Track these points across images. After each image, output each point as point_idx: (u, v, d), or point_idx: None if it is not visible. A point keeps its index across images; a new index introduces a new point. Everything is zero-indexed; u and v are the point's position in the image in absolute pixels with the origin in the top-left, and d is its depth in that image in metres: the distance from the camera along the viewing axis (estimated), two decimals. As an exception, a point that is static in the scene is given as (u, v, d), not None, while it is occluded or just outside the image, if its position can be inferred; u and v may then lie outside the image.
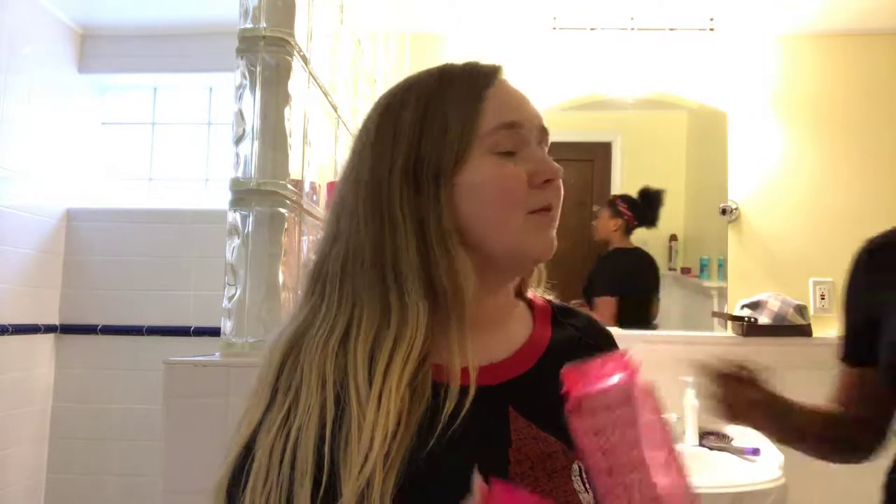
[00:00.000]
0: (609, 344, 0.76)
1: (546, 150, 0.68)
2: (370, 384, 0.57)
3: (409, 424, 0.56)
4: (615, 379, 0.51)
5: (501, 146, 0.63)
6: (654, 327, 2.34)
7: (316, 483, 0.54)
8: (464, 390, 0.59)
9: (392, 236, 0.62)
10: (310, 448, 0.55)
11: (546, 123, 0.68)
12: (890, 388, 0.99)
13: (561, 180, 0.66)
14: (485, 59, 0.69)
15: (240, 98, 1.09)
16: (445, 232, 0.62)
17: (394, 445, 0.55)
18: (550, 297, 0.77)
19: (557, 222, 0.66)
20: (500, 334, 0.68)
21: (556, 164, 0.65)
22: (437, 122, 0.63)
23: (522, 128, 0.65)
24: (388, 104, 0.67)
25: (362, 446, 0.54)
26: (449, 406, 0.57)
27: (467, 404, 0.58)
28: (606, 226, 2.37)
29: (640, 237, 2.38)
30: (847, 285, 1.10)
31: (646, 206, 2.36)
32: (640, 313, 2.35)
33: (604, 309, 2.30)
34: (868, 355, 1.04)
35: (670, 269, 2.39)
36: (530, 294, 0.75)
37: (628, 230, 2.36)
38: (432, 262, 0.61)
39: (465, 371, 0.62)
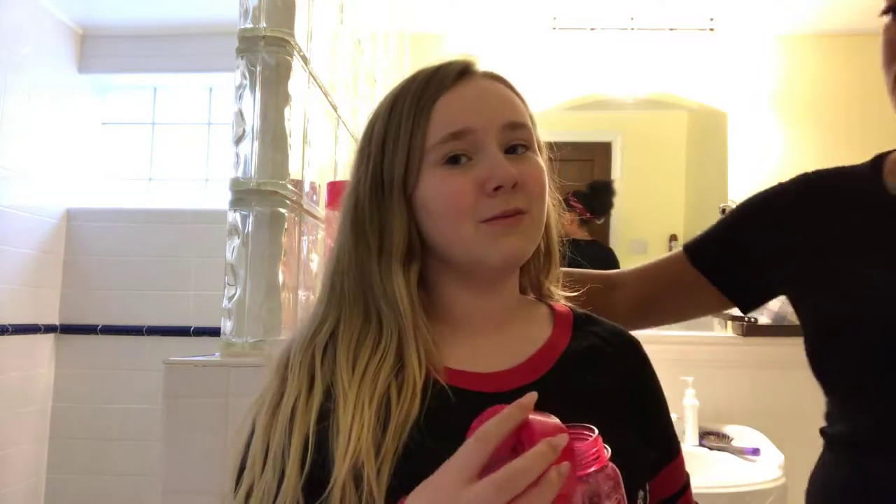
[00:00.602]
0: (634, 355, 0.73)
1: (531, 141, 0.66)
2: (353, 371, 0.60)
3: (398, 418, 0.57)
4: (590, 469, 0.47)
5: (449, 157, 0.62)
6: None
7: (303, 463, 0.56)
8: (463, 392, 0.60)
9: (363, 249, 0.65)
10: (297, 430, 0.57)
11: (515, 116, 0.65)
12: (816, 357, 0.85)
13: (536, 179, 0.64)
14: (459, 56, 0.67)
15: (240, 98, 1.09)
16: (394, 247, 0.63)
17: (386, 435, 0.56)
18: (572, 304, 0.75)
19: (530, 224, 0.63)
20: (508, 339, 0.67)
21: (509, 169, 0.61)
22: (393, 136, 0.64)
23: (474, 133, 0.62)
24: (373, 114, 0.68)
25: (350, 429, 0.56)
26: (432, 405, 0.58)
27: (451, 405, 0.59)
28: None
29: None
30: (759, 199, 0.99)
31: (593, 198, 2.37)
32: None
33: None
34: (719, 271, 0.95)
35: (670, 270, 2.39)
36: (553, 301, 0.74)
37: (583, 223, 2.37)
38: (383, 275, 0.64)
39: (464, 374, 0.63)
